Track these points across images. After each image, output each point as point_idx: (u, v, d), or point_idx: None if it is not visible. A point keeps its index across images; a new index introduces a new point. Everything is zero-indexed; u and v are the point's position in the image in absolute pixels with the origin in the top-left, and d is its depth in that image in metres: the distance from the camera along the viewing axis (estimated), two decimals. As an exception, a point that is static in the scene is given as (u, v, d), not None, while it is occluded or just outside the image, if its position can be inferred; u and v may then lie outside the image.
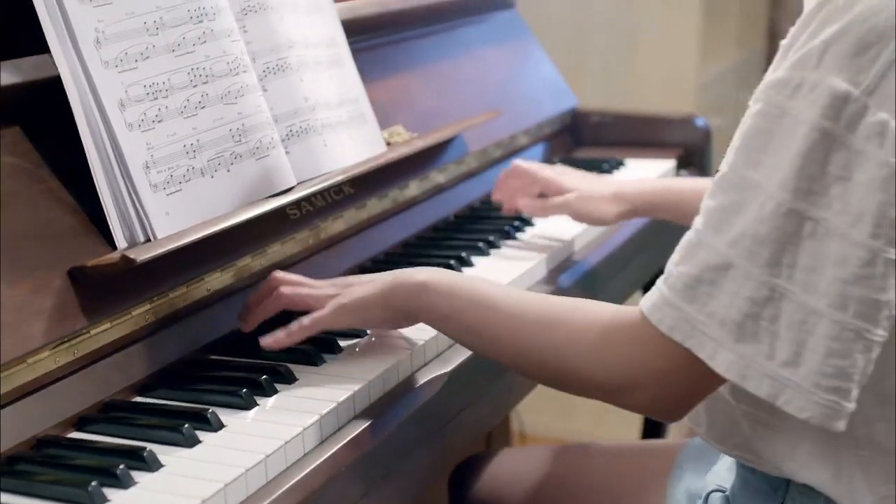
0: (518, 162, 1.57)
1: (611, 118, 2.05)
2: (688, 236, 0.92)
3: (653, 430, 2.00)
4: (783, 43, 0.91)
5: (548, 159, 1.95)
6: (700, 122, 2.03)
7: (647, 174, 1.88)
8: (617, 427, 2.31)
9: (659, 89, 2.74)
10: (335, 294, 1.12)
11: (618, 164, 1.93)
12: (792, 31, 0.90)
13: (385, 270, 1.13)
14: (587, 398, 1.01)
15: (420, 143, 1.48)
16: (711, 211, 0.90)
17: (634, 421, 2.06)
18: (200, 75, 1.16)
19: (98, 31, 1.08)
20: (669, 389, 0.94)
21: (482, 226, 1.60)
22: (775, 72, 0.89)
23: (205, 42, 1.17)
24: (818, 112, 0.84)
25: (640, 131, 2.04)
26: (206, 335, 1.17)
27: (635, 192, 1.50)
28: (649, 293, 0.94)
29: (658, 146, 2.01)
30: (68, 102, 1.06)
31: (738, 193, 0.88)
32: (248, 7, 1.25)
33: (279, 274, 1.17)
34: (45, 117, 1.08)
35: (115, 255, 1.02)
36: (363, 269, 1.39)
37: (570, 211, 1.51)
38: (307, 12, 1.35)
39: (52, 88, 1.06)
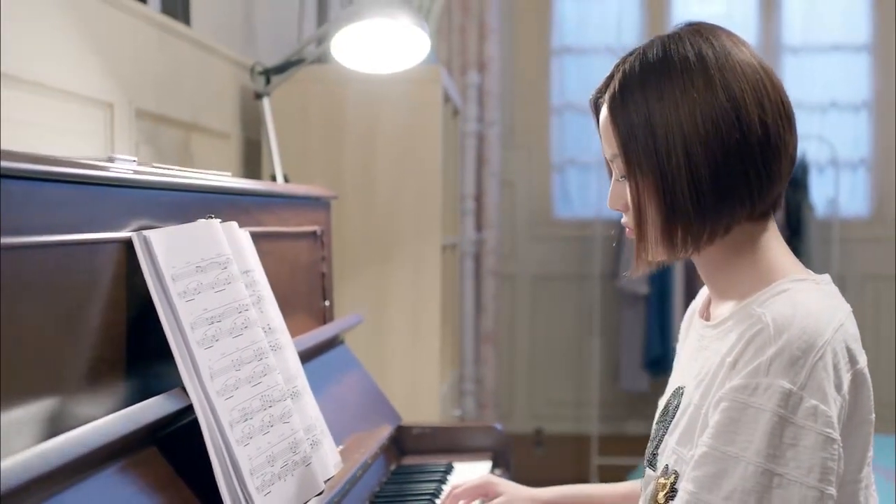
0: (454, 487, 1.91)
1: (429, 430, 2.44)
2: (684, 499, 1.33)
3: None
4: (728, 360, 1.35)
5: (386, 467, 2.29)
6: (499, 427, 2.47)
7: (475, 472, 2.27)
8: None
9: (410, 398, 3.19)
10: None
11: (449, 468, 2.31)
12: (734, 351, 1.35)
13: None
14: None
15: (366, 452, 1.80)
16: (701, 478, 1.30)
17: None
18: (267, 400, 1.45)
19: (210, 367, 1.36)
20: None
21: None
22: (730, 381, 1.33)
23: (265, 374, 1.47)
24: (775, 403, 1.29)
25: (454, 440, 2.44)
26: None
27: (550, 495, 1.84)
28: None
29: (470, 451, 2.42)
30: (186, 427, 1.32)
31: (722, 463, 1.29)
32: (272, 346, 1.56)
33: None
34: (175, 439, 1.33)
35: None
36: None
37: None
38: (289, 348, 1.68)
39: (180, 415, 1.32)
